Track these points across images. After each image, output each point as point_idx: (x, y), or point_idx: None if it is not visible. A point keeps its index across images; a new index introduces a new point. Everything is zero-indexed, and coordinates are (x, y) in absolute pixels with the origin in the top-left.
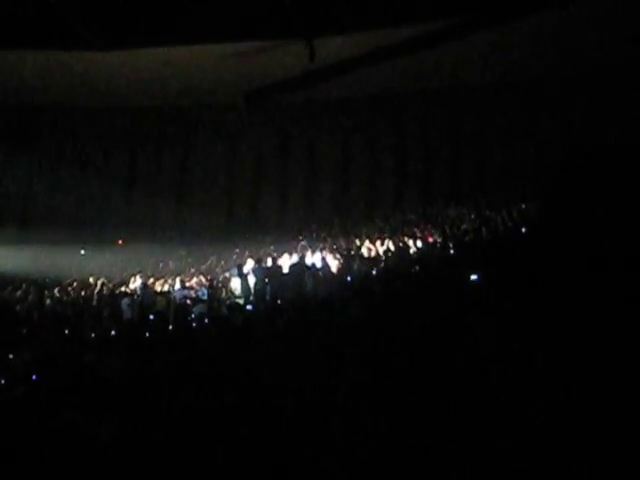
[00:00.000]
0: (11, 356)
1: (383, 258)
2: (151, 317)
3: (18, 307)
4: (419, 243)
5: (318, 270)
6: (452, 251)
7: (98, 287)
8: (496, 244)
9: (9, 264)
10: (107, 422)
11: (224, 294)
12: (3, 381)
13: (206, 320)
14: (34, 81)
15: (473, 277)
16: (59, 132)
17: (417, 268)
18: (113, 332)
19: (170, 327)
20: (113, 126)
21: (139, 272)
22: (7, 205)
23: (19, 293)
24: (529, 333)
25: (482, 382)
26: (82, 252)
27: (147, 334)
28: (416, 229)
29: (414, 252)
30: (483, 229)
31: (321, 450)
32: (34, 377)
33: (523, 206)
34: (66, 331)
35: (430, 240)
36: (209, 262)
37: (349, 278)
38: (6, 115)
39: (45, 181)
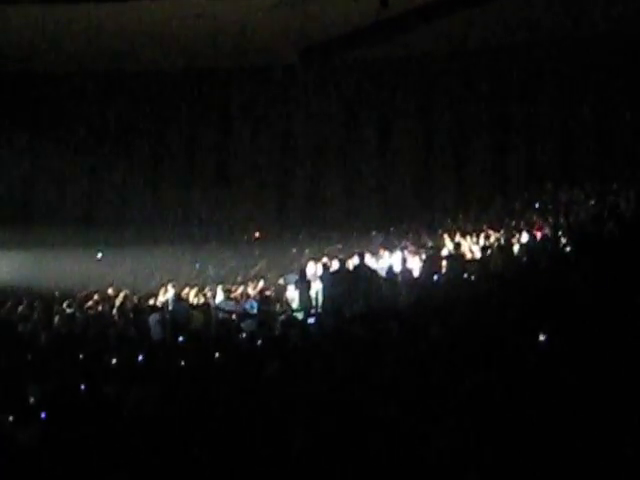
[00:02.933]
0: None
1: (480, 257)
2: (186, 337)
3: (21, 327)
4: (525, 237)
5: (397, 274)
6: (567, 247)
7: (120, 300)
8: (622, 237)
9: (8, 273)
10: (132, 468)
11: (278, 307)
12: (9, 420)
13: (257, 340)
14: (44, 42)
15: (592, 278)
16: (67, 103)
17: (523, 268)
18: (140, 357)
19: (211, 350)
20: (137, 96)
21: (171, 281)
22: (4, 199)
23: (21, 309)
24: None
25: (596, 392)
26: (99, 256)
27: (182, 359)
28: (521, 220)
29: (519, 249)
30: (605, 218)
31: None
32: (43, 415)
33: None
34: (81, 357)
35: (539, 233)
36: (258, 267)
37: (437, 283)
38: (7, 84)
39: (51, 168)
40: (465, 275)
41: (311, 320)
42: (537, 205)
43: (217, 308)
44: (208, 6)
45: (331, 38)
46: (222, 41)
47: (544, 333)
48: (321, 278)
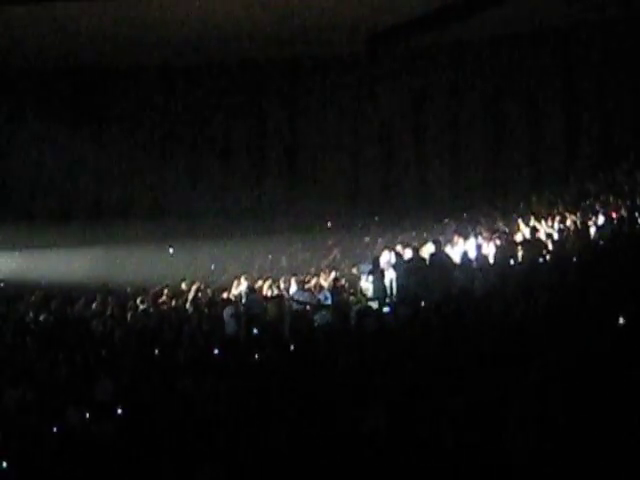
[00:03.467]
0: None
1: (556, 241)
2: (261, 330)
3: (94, 323)
4: (601, 220)
5: (472, 261)
6: None
7: (192, 294)
8: None
9: (80, 269)
10: (207, 462)
11: (352, 297)
12: (86, 416)
13: (332, 331)
14: (98, 36)
15: None
16: (132, 98)
17: (601, 252)
18: (214, 351)
19: (285, 341)
20: (204, 88)
21: (244, 273)
22: (74, 192)
23: (94, 306)
24: None
25: None
26: (170, 250)
27: (256, 352)
28: (597, 202)
29: (595, 232)
30: None
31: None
32: (119, 411)
33: None
34: (155, 352)
35: (616, 216)
36: (332, 256)
37: (512, 270)
38: (66, 78)
39: (119, 160)
40: (541, 260)
41: (386, 309)
42: (613, 186)
43: (291, 300)
44: None
45: (396, 25)
46: (287, 30)
47: (624, 317)
48: (395, 267)
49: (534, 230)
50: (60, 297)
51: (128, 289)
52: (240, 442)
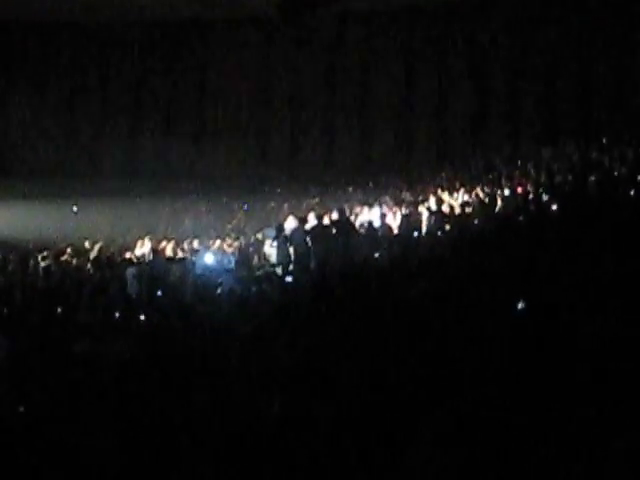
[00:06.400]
0: None
1: (459, 214)
2: (163, 292)
3: None
4: (505, 194)
5: (376, 230)
6: (549, 205)
7: (95, 253)
8: (607, 196)
9: None
10: (106, 428)
11: (256, 261)
12: None
13: (235, 295)
14: None
15: (577, 239)
16: (43, 53)
17: (504, 227)
18: (115, 312)
19: (188, 304)
20: (113, 45)
21: (147, 234)
22: None
23: None
24: None
25: (585, 364)
26: (74, 209)
27: (158, 314)
28: (501, 176)
29: (500, 206)
30: (589, 176)
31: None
32: (15, 370)
33: None
34: (56, 311)
35: (520, 190)
36: (236, 220)
37: (415, 240)
38: None
39: (25, 117)
40: (444, 232)
41: (289, 276)
42: (519, 161)
43: (194, 262)
44: None
45: None
46: None
47: (523, 292)
48: (298, 233)
49: (439, 201)
50: None
51: (30, 246)
52: (137, 406)
